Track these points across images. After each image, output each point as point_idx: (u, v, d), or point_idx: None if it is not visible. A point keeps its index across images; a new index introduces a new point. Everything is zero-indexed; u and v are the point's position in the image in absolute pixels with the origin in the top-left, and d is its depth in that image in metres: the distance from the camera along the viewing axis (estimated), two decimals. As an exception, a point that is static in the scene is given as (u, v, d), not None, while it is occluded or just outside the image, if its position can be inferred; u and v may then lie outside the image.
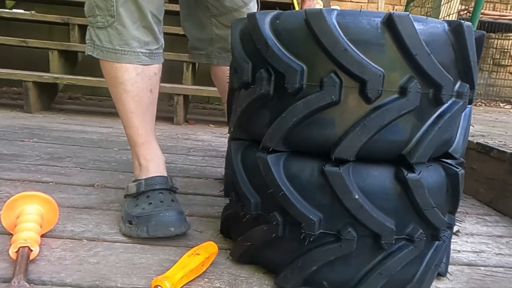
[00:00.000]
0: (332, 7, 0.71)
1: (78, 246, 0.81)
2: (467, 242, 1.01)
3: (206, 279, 0.73)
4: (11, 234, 0.77)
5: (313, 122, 0.65)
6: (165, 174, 0.97)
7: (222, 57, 1.21)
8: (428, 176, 0.67)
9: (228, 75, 1.12)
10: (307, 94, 0.64)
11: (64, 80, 2.44)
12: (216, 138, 2.16)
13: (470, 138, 1.51)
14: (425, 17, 0.65)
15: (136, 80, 0.92)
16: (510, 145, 1.41)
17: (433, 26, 0.64)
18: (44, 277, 0.69)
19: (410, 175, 0.64)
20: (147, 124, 0.98)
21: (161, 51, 0.97)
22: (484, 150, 1.39)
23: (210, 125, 2.59)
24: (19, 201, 0.80)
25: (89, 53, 0.94)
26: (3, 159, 1.37)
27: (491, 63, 4.40)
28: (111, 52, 0.90)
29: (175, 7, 1.29)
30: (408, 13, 0.61)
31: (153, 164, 0.97)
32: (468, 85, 0.69)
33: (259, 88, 0.69)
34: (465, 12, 3.57)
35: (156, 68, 0.96)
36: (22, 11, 3.03)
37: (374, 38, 0.62)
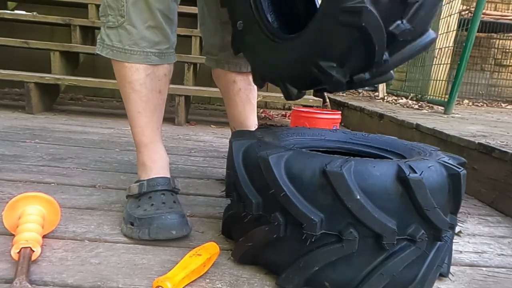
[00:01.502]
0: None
1: (80, 247, 0.81)
2: (469, 242, 1.01)
3: (208, 280, 0.73)
4: (13, 235, 0.77)
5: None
6: (168, 175, 0.97)
7: (233, 62, 1.22)
8: (429, 176, 0.67)
9: (231, 81, 1.12)
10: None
11: (66, 81, 2.45)
12: (217, 138, 2.16)
13: (472, 139, 1.51)
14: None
15: (145, 81, 0.93)
16: (512, 145, 1.41)
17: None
18: (46, 277, 0.69)
19: (412, 175, 0.64)
20: (154, 125, 0.98)
21: (172, 50, 0.98)
22: (486, 151, 1.38)
23: (212, 125, 2.59)
24: (20, 202, 0.80)
25: (98, 52, 0.94)
26: (5, 160, 1.37)
27: (493, 63, 4.40)
28: (121, 52, 0.91)
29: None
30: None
31: (157, 165, 0.97)
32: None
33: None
34: (467, 12, 3.57)
35: (166, 69, 0.97)
36: (23, 12, 3.04)
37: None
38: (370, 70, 0.75)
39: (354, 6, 0.64)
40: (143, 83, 0.93)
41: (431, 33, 0.75)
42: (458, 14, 3.51)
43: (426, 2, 0.68)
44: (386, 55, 0.72)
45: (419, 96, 3.50)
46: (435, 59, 3.48)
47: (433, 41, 0.76)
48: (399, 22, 0.68)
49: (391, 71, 0.78)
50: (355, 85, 0.78)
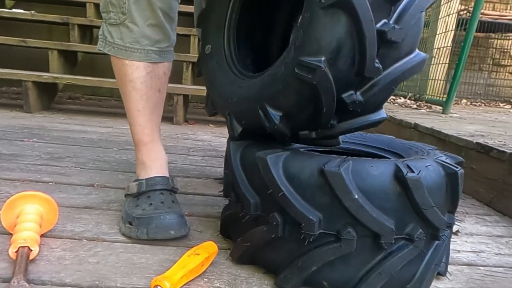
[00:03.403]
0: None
1: (78, 246, 0.81)
2: (466, 242, 1.01)
3: (206, 279, 0.73)
4: (11, 234, 0.77)
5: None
6: (167, 175, 0.98)
7: None
8: (427, 176, 0.67)
9: None
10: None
11: (64, 80, 2.44)
12: (215, 138, 2.16)
13: (470, 138, 1.51)
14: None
15: (146, 79, 0.93)
16: (510, 145, 1.41)
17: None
18: (44, 277, 0.69)
19: (410, 175, 0.64)
20: (153, 124, 0.98)
21: (172, 48, 0.99)
22: (483, 150, 1.39)
23: (210, 125, 2.59)
24: (18, 201, 0.80)
25: (101, 49, 0.95)
26: (2, 159, 1.37)
27: (491, 63, 4.41)
28: (122, 49, 0.91)
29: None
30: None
31: (156, 164, 0.97)
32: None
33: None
34: (465, 12, 3.57)
35: (165, 68, 0.97)
36: (21, 11, 3.03)
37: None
38: (315, 130, 0.76)
39: (310, 62, 0.63)
40: (144, 81, 0.93)
41: (382, 112, 0.76)
42: (457, 14, 3.51)
43: (382, 81, 0.69)
44: (333, 121, 0.72)
45: (418, 95, 3.50)
46: (433, 58, 3.49)
47: (383, 120, 0.77)
48: (352, 92, 0.69)
49: (339, 138, 0.78)
50: (300, 140, 0.78)
